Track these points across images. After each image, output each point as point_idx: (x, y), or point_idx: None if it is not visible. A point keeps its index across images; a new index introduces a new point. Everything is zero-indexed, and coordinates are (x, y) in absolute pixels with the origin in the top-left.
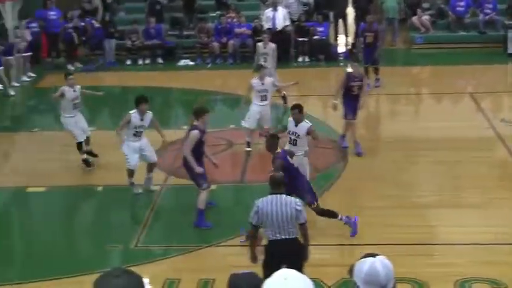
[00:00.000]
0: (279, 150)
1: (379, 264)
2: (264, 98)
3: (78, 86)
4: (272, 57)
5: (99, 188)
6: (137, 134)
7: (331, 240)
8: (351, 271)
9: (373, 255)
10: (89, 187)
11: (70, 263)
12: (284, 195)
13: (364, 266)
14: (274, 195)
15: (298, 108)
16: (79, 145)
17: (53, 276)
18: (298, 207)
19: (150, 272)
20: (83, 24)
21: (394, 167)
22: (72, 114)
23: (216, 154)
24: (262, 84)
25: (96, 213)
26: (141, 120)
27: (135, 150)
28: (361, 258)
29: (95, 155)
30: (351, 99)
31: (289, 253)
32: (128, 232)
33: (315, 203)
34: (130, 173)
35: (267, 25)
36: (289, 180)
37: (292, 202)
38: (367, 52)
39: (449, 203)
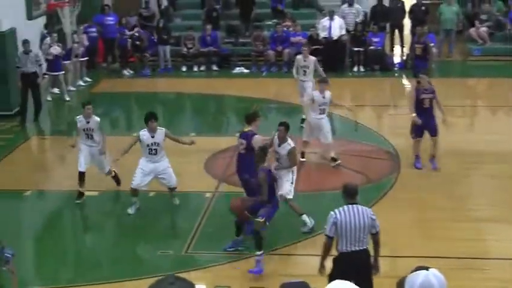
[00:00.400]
0: (266, 164)
1: (433, 277)
2: (322, 111)
3: (96, 119)
4: (311, 70)
5: (151, 194)
6: (152, 152)
7: (382, 251)
8: (400, 284)
9: (426, 268)
10: (142, 193)
11: (121, 268)
12: (359, 205)
13: (418, 279)
14: (350, 205)
15: (285, 126)
16: (80, 175)
17: (105, 280)
18: (373, 216)
19: (200, 278)
20: (137, 33)
21: (448, 179)
22: (86, 143)
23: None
24: (323, 97)
25: (148, 219)
26: (152, 137)
27: (149, 171)
28: (413, 271)
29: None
30: (421, 113)
31: (361, 265)
32: (179, 238)
33: (263, 220)
34: (133, 192)
35: (322, 34)
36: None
37: (368, 211)
38: (416, 64)
39: (504, 217)
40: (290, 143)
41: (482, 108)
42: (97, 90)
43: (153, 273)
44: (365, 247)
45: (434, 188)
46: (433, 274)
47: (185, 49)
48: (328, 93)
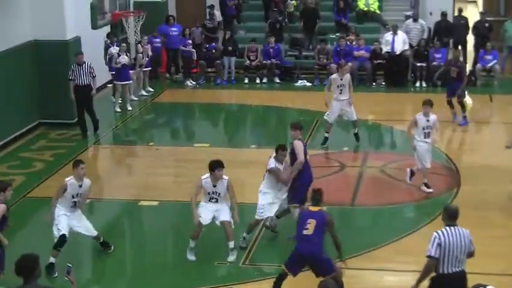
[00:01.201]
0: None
1: None
2: (427, 135)
3: (88, 182)
4: (348, 87)
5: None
6: (212, 200)
7: None
8: None
9: (484, 285)
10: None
11: (178, 278)
12: (458, 226)
13: None
14: (452, 227)
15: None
16: (62, 239)
17: None
18: (471, 238)
19: None
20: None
21: (509, 195)
22: (68, 212)
23: (328, 176)
24: (428, 120)
25: (205, 230)
26: (214, 186)
27: (211, 210)
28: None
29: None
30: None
31: (459, 286)
32: (237, 249)
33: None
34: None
35: (385, 48)
36: None
37: (467, 232)
38: (450, 86)
39: None
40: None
41: None
42: (159, 101)
43: (211, 284)
44: (463, 268)
45: (495, 204)
46: None
47: (248, 61)
48: (433, 117)
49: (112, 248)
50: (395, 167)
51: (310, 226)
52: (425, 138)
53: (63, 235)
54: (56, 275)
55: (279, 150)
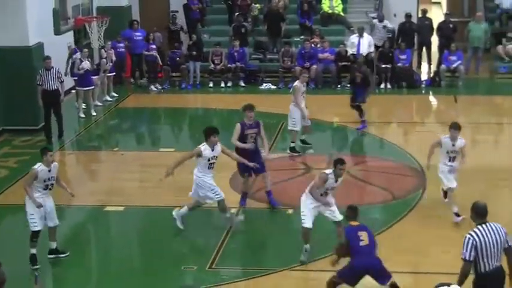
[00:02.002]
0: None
1: None
2: (452, 159)
3: (56, 164)
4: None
5: (176, 209)
6: (211, 167)
7: (406, 267)
8: None
9: (448, 284)
10: (166, 208)
11: (145, 284)
12: (491, 223)
13: None
14: (483, 225)
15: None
16: (34, 234)
17: None
18: (505, 229)
19: None
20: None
21: (475, 196)
22: (43, 195)
23: (294, 178)
24: (453, 145)
25: (172, 234)
26: (212, 151)
27: (209, 186)
28: (436, 287)
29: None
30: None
31: (500, 282)
32: (203, 254)
33: None
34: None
35: (351, 51)
36: None
37: (500, 226)
38: (354, 91)
39: None
40: None
41: (509, 125)
42: (124, 106)
43: None
44: (500, 263)
45: (461, 205)
46: None
47: (212, 65)
48: (461, 142)
49: (67, 254)
50: (360, 169)
51: (364, 237)
52: (449, 161)
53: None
54: (39, 266)
55: (337, 165)
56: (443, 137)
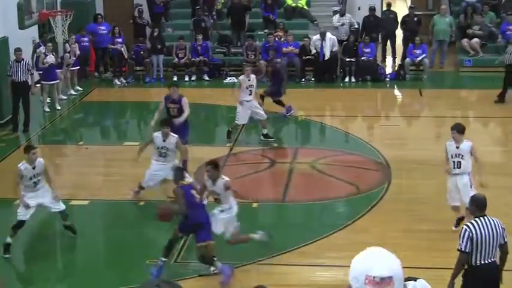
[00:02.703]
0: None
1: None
2: (457, 164)
3: (41, 161)
4: (256, 88)
5: (141, 203)
6: (161, 155)
7: None
8: None
9: (414, 278)
10: (131, 201)
11: (110, 277)
12: (489, 216)
13: None
14: (482, 218)
15: (212, 165)
16: (19, 223)
17: None
18: (503, 225)
19: None
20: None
21: (439, 190)
22: (31, 193)
23: (259, 172)
24: (457, 147)
25: (137, 228)
26: (163, 141)
27: (155, 170)
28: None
29: (74, 231)
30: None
31: (492, 278)
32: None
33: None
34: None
35: (314, 50)
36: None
37: (498, 221)
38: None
39: None
40: (224, 177)
41: (474, 119)
42: (88, 100)
43: (142, 282)
44: (495, 259)
45: (425, 199)
46: (422, 285)
47: (176, 59)
48: (466, 144)
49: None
50: (325, 163)
51: (196, 194)
52: (455, 168)
53: (22, 221)
54: (10, 255)
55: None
56: (447, 143)
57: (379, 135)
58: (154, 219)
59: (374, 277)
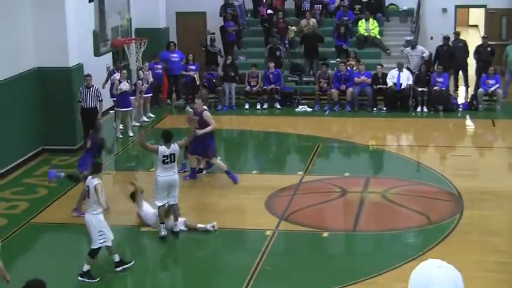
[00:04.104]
0: None
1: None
2: None
3: (93, 181)
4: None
5: (211, 229)
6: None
7: None
8: None
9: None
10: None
11: None
12: None
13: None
14: None
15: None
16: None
17: None
18: None
19: None
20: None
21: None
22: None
23: (330, 201)
24: None
25: (206, 256)
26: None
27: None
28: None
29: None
30: None
31: None
32: (237, 276)
33: None
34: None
35: (391, 83)
36: None
37: None
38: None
39: None
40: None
41: None
42: (160, 126)
43: None
44: None
45: (496, 230)
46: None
47: (248, 87)
48: None
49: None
50: (396, 193)
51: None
52: None
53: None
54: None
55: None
56: None
57: (451, 165)
58: (226, 246)
59: None
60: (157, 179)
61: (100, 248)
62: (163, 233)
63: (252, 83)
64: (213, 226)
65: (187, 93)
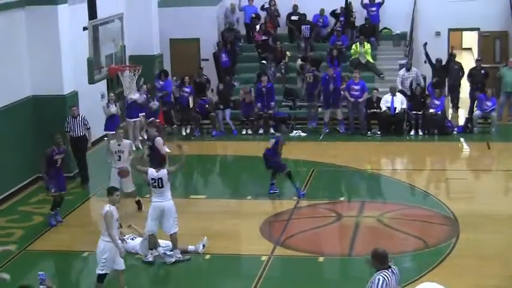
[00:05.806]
0: None
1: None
2: None
3: (104, 208)
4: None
5: (207, 256)
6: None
7: None
8: None
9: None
10: (195, 255)
11: None
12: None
13: None
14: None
15: None
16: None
17: None
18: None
19: None
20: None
21: (508, 244)
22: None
23: (325, 226)
24: None
25: (202, 282)
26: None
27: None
28: None
29: None
30: None
31: None
32: None
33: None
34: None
35: (384, 108)
36: None
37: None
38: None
39: None
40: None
41: None
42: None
43: None
44: None
45: (492, 254)
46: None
47: (241, 112)
48: None
49: None
50: (392, 217)
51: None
52: None
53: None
54: None
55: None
56: None
57: (446, 188)
58: (220, 272)
59: None
60: (151, 204)
61: (107, 273)
62: (151, 259)
63: (246, 100)
64: (203, 245)
65: (182, 114)
